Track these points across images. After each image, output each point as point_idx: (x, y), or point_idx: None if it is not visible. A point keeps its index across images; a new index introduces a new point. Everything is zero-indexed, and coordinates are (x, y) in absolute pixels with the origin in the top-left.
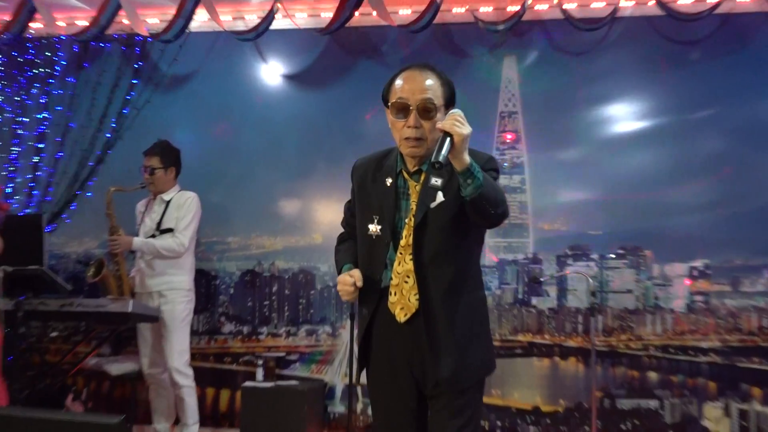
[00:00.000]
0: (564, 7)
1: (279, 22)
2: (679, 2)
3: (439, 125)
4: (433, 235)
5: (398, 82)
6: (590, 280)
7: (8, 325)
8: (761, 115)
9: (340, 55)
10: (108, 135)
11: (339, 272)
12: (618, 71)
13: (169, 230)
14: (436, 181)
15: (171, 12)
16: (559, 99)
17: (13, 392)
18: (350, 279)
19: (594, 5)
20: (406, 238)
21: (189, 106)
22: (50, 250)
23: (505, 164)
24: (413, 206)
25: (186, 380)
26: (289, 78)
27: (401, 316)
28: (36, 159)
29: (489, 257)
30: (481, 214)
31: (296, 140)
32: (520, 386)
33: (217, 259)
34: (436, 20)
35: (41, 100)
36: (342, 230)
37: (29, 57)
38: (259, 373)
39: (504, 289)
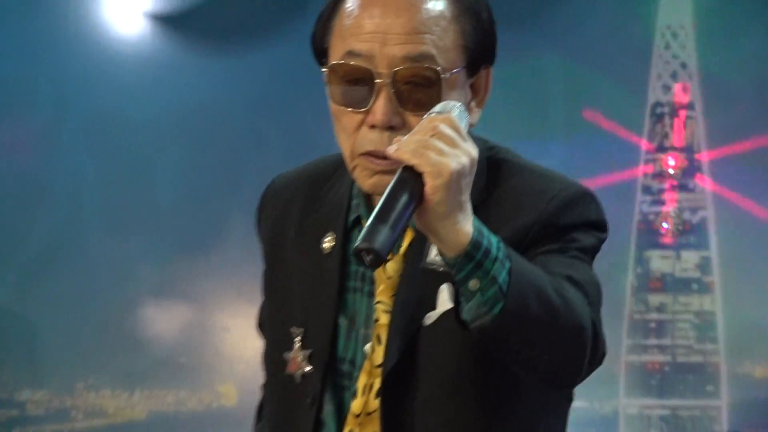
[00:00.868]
0: None
1: None
2: None
3: (389, 150)
4: (429, 394)
5: (348, 6)
6: None
7: None
8: None
9: None
10: None
11: None
12: None
13: None
14: (438, 256)
15: None
16: None
17: None
18: None
19: None
20: (363, 397)
21: None
22: None
23: (666, 224)
24: (381, 316)
25: None
26: (165, 22)
27: None
28: None
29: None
30: (514, 361)
31: (181, 158)
32: None
33: None
34: None
35: None
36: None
37: None
38: None
39: None
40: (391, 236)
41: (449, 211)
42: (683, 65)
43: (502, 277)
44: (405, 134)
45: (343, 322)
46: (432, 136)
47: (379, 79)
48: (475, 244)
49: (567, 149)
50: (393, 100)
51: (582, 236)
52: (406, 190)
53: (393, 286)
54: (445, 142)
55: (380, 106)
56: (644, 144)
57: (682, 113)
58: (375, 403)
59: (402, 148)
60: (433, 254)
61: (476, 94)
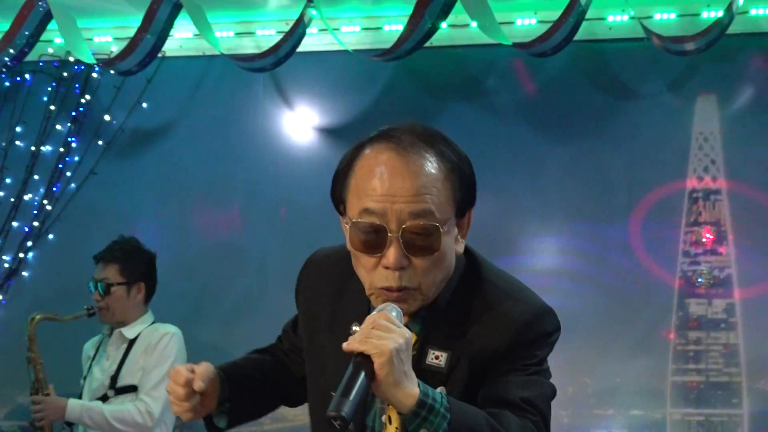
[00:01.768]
0: None
1: (312, 40)
2: None
3: (344, 346)
4: None
5: (361, 169)
6: None
7: None
8: None
9: (414, 94)
10: (26, 228)
11: None
12: None
13: (132, 388)
14: (436, 356)
15: (132, 26)
16: None
17: None
18: (185, 374)
19: None
20: None
21: (162, 179)
22: None
23: (700, 279)
24: (391, 417)
25: None
26: (329, 134)
27: None
28: None
29: None
30: None
31: (338, 234)
32: None
33: None
34: (578, 35)
35: None
36: None
37: None
38: None
39: None
40: (353, 405)
41: (397, 380)
42: (713, 161)
43: (443, 428)
44: (413, 275)
45: (364, 414)
46: (372, 328)
47: (391, 233)
48: (420, 404)
49: (624, 228)
50: (402, 248)
51: (539, 350)
52: (362, 370)
53: None
54: (382, 330)
55: (392, 254)
56: (683, 221)
57: (712, 197)
58: None
59: (351, 341)
60: (430, 357)
61: (461, 230)
